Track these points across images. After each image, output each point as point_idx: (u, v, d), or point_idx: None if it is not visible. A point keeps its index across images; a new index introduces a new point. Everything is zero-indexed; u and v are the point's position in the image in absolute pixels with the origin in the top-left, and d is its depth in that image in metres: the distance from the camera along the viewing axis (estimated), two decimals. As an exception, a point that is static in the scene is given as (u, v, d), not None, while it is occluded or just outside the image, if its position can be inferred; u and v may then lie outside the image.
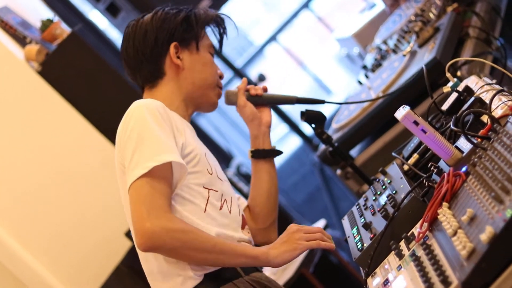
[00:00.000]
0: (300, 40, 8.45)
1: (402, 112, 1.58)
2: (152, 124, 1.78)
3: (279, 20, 7.83)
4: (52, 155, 3.27)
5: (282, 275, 3.51)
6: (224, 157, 5.30)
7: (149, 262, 1.86)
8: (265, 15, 8.92)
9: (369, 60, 3.47)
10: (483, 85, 1.79)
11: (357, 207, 1.94)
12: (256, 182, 2.13)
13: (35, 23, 3.57)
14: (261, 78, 5.38)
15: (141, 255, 1.90)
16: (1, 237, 3.03)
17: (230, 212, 1.92)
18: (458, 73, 2.36)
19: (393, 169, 1.89)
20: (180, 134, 1.85)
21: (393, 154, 2.04)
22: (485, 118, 1.60)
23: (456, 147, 1.58)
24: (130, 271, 3.22)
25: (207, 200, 1.86)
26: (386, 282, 1.47)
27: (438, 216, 1.39)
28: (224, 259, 1.79)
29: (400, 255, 1.48)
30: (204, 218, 1.84)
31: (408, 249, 1.47)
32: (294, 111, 6.30)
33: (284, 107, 6.09)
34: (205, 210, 1.85)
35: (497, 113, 1.56)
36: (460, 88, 1.83)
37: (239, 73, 6.15)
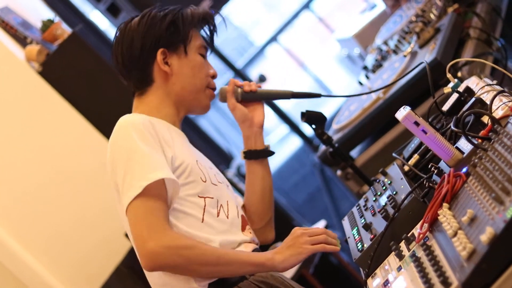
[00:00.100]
0: (300, 41, 8.44)
1: (402, 113, 1.58)
2: (140, 143, 1.78)
3: (280, 21, 7.83)
4: (52, 155, 3.27)
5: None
6: (224, 158, 5.29)
7: (152, 276, 1.87)
8: (266, 16, 8.91)
9: (370, 60, 3.47)
10: (483, 86, 1.79)
11: (358, 207, 1.94)
12: (250, 182, 2.13)
13: (35, 23, 3.58)
14: (262, 78, 5.37)
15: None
16: (1, 237, 3.03)
17: (227, 217, 1.91)
18: (459, 74, 2.36)
19: (394, 170, 1.88)
20: (168, 147, 1.84)
21: (394, 154, 2.04)
22: (485, 119, 1.59)
23: (457, 147, 1.58)
24: (130, 272, 3.22)
25: (204, 209, 1.85)
26: (386, 283, 1.47)
27: (439, 217, 1.39)
28: (230, 270, 1.79)
29: (400, 256, 1.48)
30: (203, 228, 1.83)
31: (408, 249, 1.47)
32: (294, 111, 6.31)
33: (284, 107, 6.09)
34: (203, 220, 1.84)
35: (498, 114, 1.56)
36: (461, 88, 1.83)
37: (239, 73, 6.15)
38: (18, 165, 3.18)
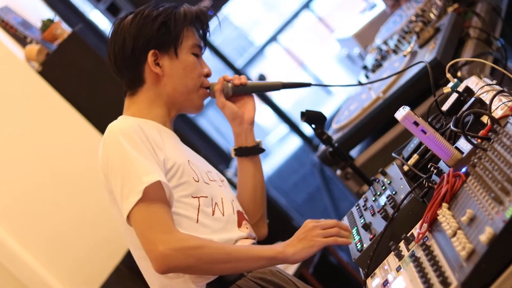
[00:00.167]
0: (300, 41, 8.44)
1: (402, 113, 1.58)
2: (131, 150, 1.78)
3: (280, 20, 7.82)
4: (52, 155, 3.27)
5: (282, 275, 3.50)
6: (224, 158, 5.29)
7: (151, 277, 1.87)
8: (266, 15, 8.91)
9: (370, 60, 3.47)
10: (483, 86, 1.79)
11: (357, 207, 1.94)
12: (242, 179, 2.12)
13: (35, 23, 3.58)
14: (262, 78, 5.36)
15: (142, 271, 1.90)
16: (1, 237, 3.03)
17: (223, 215, 1.91)
18: (459, 74, 2.36)
19: (393, 170, 1.89)
20: (159, 150, 1.84)
21: (393, 154, 2.04)
22: (485, 119, 1.60)
23: (456, 147, 1.58)
24: (130, 271, 3.21)
25: (198, 209, 1.85)
26: (385, 282, 1.47)
27: (438, 217, 1.39)
28: (242, 266, 1.79)
29: (399, 256, 1.48)
30: (198, 228, 1.83)
31: (408, 249, 1.47)
32: (294, 111, 6.31)
33: (284, 107, 6.09)
34: (198, 220, 1.84)
35: (497, 113, 1.56)
36: (460, 88, 1.83)
37: (239, 73, 6.14)
38: (18, 165, 3.18)
